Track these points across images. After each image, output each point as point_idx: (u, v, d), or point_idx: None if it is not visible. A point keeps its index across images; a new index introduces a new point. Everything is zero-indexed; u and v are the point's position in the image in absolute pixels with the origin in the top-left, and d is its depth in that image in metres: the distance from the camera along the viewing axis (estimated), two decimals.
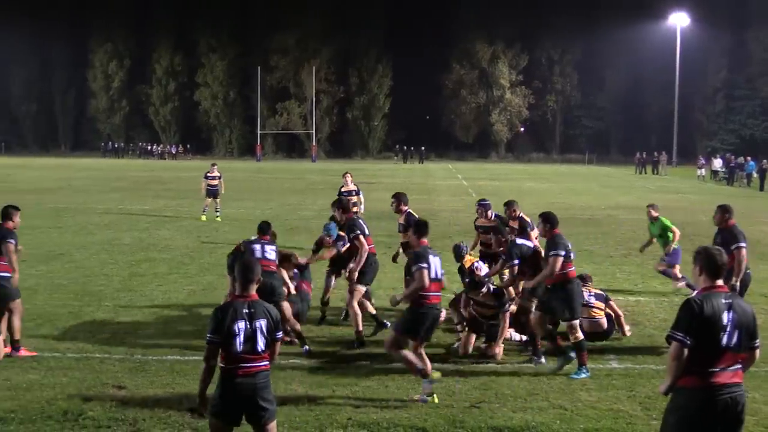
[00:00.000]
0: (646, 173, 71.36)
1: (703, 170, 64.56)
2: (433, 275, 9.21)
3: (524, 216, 13.54)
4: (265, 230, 11.89)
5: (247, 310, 6.37)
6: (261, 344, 6.35)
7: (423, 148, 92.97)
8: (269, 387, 6.46)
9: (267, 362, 6.45)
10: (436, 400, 9.01)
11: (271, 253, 11.58)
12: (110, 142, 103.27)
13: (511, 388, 9.62)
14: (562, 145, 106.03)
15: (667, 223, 15.97)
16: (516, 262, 10.96)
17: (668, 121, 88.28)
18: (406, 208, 12.97)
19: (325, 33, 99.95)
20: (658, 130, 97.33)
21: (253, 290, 6.51)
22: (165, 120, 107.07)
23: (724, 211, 11.46)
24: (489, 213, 13.94)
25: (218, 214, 27.83)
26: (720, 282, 5.87)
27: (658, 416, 8.62)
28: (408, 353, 9.27)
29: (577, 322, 10.31)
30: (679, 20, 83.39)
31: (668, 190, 48.91)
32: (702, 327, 5.66)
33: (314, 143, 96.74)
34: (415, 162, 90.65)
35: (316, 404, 8.91)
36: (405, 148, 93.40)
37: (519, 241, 11.49)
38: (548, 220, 10.55)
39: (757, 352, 5.93)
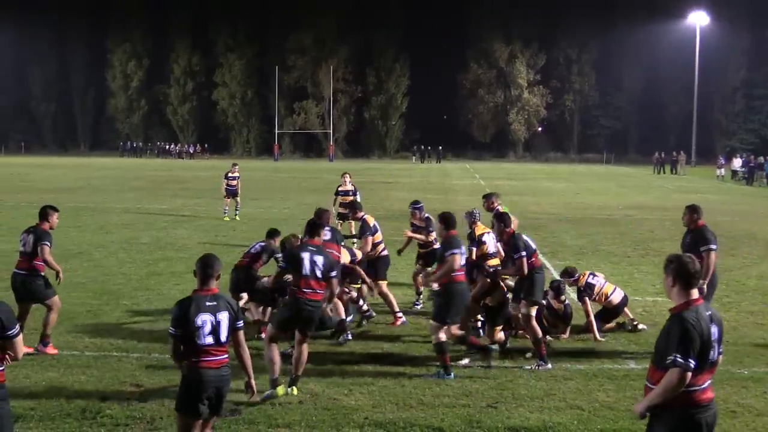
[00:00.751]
0: (664, 173, 70.96)
1: (722, 170, 64.13)
2: (305, 272, 9.38)
3: (500, 209, 13.69)
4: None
5: (210, 303, 6.62)
6: (224, 336, 6.59)
7: (440, 147, 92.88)
8: (229, 379, 6.70)
9: (227, 355, 6.65)
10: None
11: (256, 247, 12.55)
12: (129, 142, 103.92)
13: (528, 388, 9.60)
14: (579, 145, 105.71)
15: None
16: (523, 254, 10.88)
17: (687, 121, 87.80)
18: (361, 214, 13.62)
19: (342, 32, 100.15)
20: (676, 129, 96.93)
21: (213, 284, 6.75)
22: (183, 119, 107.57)
23: (692, 211, 11.23)
24: (420, 214, 14.57)
25: (237, 213, 27.97)
26: (695, 293, 5.47)
27: None
28: (275, 354, 9.34)
29: (455, 327, 10.41)
30: (698, 19, 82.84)
31: (687, 190, 48.62)
32: (701, 346, 5.30)
33: (331, 143, 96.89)
34: (433, 162, 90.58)
35: (332, 404, 8.92)
36: (422, 147, 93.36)
37: (524, 236, 11.46)
38: (445, 220, 10.63)
39: (721, 356, 5.65)
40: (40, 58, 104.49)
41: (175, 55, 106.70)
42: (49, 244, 10.90)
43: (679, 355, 5.24)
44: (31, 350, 10.47)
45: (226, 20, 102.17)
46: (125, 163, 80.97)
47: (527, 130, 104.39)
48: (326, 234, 11.48)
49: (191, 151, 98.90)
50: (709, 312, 5.48)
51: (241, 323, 6.74)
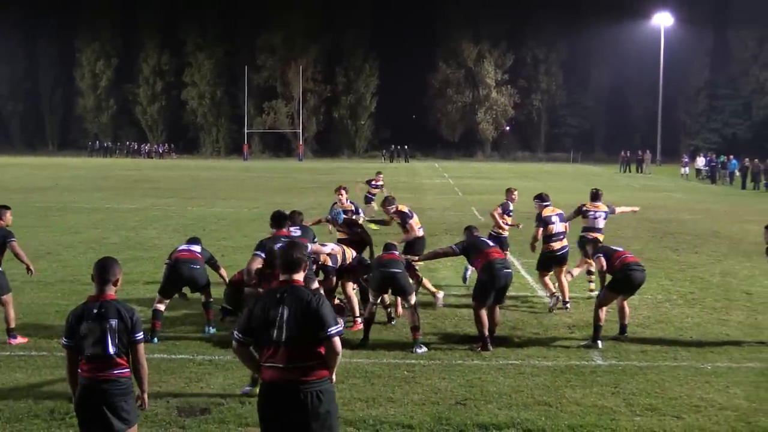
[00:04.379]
0: (630, 172, 71.61)
1: (686, 169, 64.92)
2: None
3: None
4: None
5: (96, 311, 6.12)
6: (111, 347, 6.06)
7: (406, 147, 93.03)
8: (127, 395, 6.15)
9: (124, 369, 6.15)
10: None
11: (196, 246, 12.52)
12: (97, 141, 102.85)
13: (496, 385, 9.68)
14: (547, 144, 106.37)
15: None
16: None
17: (652, 120, 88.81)
18: (394, 208, 14.57)
19: (312, 32, 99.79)
20: (642, 129, 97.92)
21: (110, 291, 6.30)
22: (152, 119, 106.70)
23: None
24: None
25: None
26: (296, 277, 5.93)
27: (642, 412, 8.75)
28: None
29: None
30: (662, 20, 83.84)
31: (653, 189, 49.16)
32: (255, 324, 5.81)
33: (301, 142, 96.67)
34: (401, 161, 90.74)
35: None
36: (392, 146, 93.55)
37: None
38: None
39: (335, 340, 5.74)
40: (8, 57, 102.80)
41: (144, 55, 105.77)
42: (15, 239, 11.23)
43: (234, 330, 5.96)
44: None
45: (196, 20, 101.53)
46: (94, 162, 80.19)
47: (495, 129, 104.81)
48: (296, 231, 11.84)
49: (160, 151, 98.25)
50: (284, 294, 5.83)
51: (139, 336, 6.20)
